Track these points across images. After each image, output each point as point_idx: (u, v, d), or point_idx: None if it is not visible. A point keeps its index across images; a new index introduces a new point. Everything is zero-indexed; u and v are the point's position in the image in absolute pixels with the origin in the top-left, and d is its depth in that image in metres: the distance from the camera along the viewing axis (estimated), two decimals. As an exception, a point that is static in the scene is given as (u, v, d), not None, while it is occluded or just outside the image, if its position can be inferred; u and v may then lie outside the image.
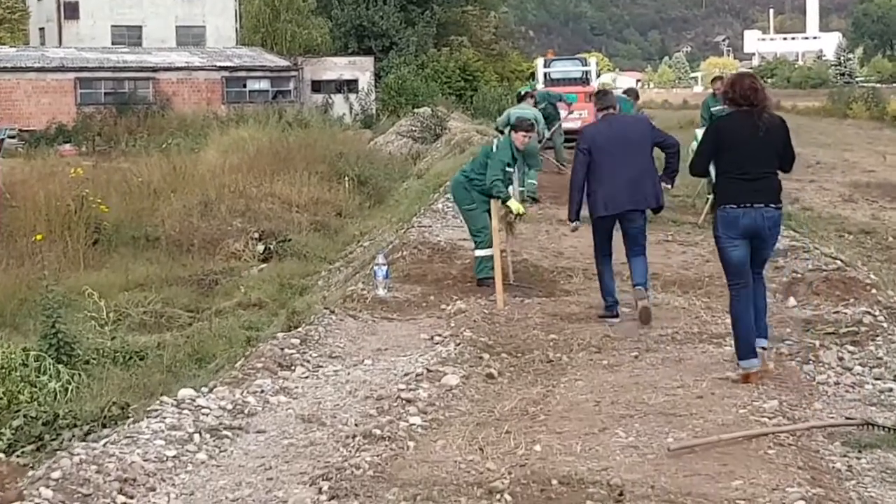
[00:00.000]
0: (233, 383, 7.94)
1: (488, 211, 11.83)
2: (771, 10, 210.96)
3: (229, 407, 7.26)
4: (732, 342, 8.17)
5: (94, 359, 11.33)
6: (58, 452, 6.06)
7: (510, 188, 12.22)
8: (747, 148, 7.87)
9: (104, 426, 8.35)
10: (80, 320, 12.41)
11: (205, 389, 7.85)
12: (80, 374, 10.63)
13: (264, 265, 17.78)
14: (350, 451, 6.35)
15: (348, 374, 8.40)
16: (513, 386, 8.05)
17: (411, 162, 31.69)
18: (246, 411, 7.25)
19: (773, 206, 7.94)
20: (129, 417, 8.59)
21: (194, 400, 7.26)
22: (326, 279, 15.92)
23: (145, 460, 6.03)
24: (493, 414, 7.25)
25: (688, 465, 6.09)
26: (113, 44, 61.12)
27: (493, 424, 6.98)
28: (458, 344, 9.11)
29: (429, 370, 8.12)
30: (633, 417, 6.99)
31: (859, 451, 6.45)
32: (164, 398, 7.26)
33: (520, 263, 12.93)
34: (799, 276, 11.93)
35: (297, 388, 7.90)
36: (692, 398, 7.37)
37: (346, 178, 25.02)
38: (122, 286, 15.84)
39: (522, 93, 23.94)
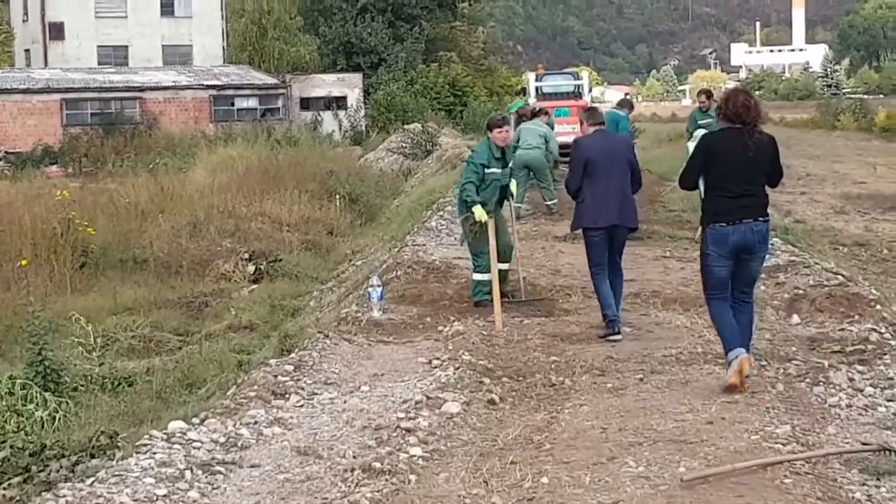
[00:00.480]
0: (225, 414, 7.66)
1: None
2: (757, 23, 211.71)
3: (222, 440, 6.98)
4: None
5: (81, 386, 11.09)
6: (43, 494, 5.76)
7: (511, 187, 11.99)
8: (737, 165, 7.89)
9: (92, 456, 8.07)
10: (67, 346, 12.21)
11: (196, 420, 7.58)
12: (67, 402, 10.42)
13: (255, 286, 17.50)
14: (349, 487, 6.09)
15: (344, 401, 8.13)
16: (515, 412, 7.78)
17: (402, 178, 31.50)
18: (239, 444, 6.96)
19: (760, 219, 8.00)
20: (117, 447, 8.41)
21: (185, 433, 6.97)
22: (319, 300, 15.66)
23: (134, 501, 5.76)
24: (496, 443, 6.98)
25: (702, 497, 5.83)
26: (99, 64, 60.75)
27: (497, 454, 6.72)
28: (458, 368, 8.83)
29: (428, 397, 7.84)
30: (642, 445, 6.73)
31: (878, 479, 6.18)
32: (154, 432, 6.97)
33: (517, 282, 12.68)
34: (801, 292, 11.70)
35: (291, 418, 7.61)
36: (702, 423, 7.11)
37: (337, 196, 24.76)
38: (111, 310, 15.56)
39: (514, 109, 23.79)
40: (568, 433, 7.12)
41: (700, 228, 8.26)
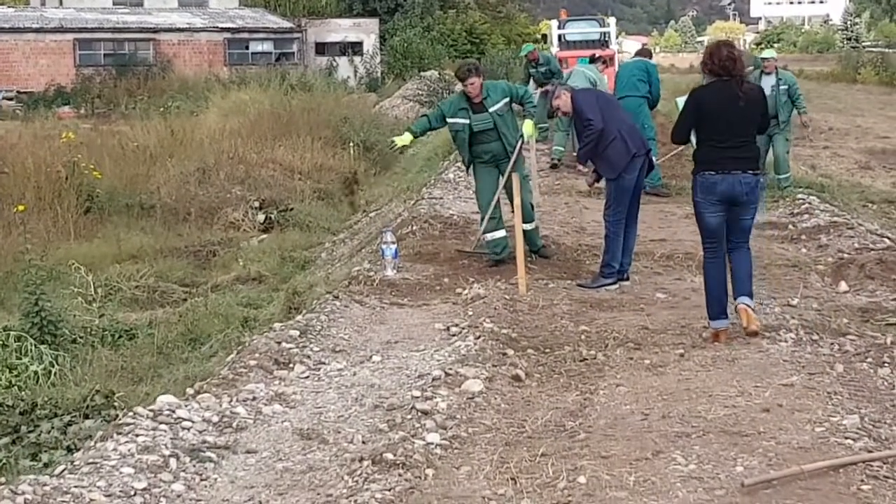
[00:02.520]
0: (222, 385, 6.88)
1: (496, 182, 10.88)
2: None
3: (215, 419, 6.17)
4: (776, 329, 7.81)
5: (80, 338, 10.50)
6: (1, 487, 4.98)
7: (526, 129, 10.93)
8: (727, 117, 7.91)
9: (86, 416, 7.66)
10: (66, 296, 11.59)
11: (192, 391, 6.83)
12: (64, 356, 9.82)
13: (264, 236, 16.92)
14: (356, 482, 5.26)
15: (354, 373, 7.33)
16: (543, 391, 6.96)
17: (418, 126, 30.62)
18: (234, 425, 6.15)
19: (750, 172, 7.97)
20: (113, 406, 7.83)
21: (174, 411, 6.14)
22: (330, 251, 14.99)
23: (107, 496, 4.95)
24: (523, 430, 6.15)
25: (767, 506, 5.02)
26: (114, 4, 59.88)
27: (526, 444, 5.89)
28: (479, 337, 8.00)
29: (447, 372, 7.00)
30: (690, 437, 5.88)
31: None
32: (139, 409, 6.13)
33: (542, 240, 11.88)
34: (847, 256, 10.89)
35: (294, 393, 6.80)
36: (757, 411, 6.23)
37: (351, 144, 23.97)
38: (115, 258, 15.02)
39: (524, 53, 22.78)
40: (605, 419, 6.29)
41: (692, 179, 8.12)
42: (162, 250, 15.70)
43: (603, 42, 31.07)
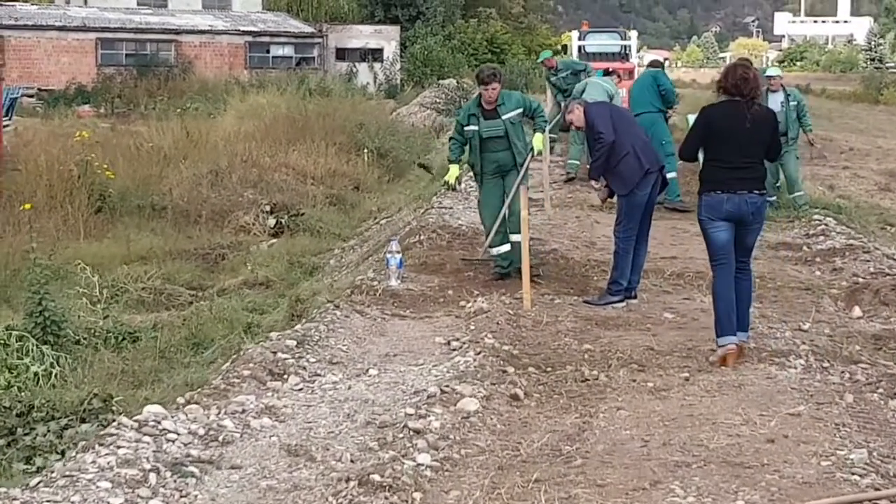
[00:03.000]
0: (212, 396, 6.70)
1: (500, 195, 10.59)
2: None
3: (201, 432, 5.97)
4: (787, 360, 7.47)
5: (84, 339, 10.33)
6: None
7: (536, 143, 10.63)
8: (734, 138, 7.96)
9: (83, 420, 7.54)
10: (71, 296, 11.44)
11: (181, 400, 6.65)
12: (66, 357, 9.68)
13: (274, 240, 16.79)
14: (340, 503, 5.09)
15: (349, 387, 7.13)
16: (542, 412, 6.75)
17: (434, 135, 30.52)
18: (221, 438, 5.95)
19: (756, 192, 8.01)
20: (111, 411, 7.69)
21: (160, 421, 5.95)
22: (339, 258, 14.82)
23: (81, 512, 4.79)
24: (518, 453, 5.94)
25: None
26: (138, 5, 59.97)
27: (519, 468, 5.67)
28: (479, 353, 7.79)
29: (443, 390, 6.77)
30: (690, 466, 5.65)
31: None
32: (124, 419, 5.95)
33: (549, 254, 11.68)
34: (862, 280, 10.65)
35: (285, 407, 6.59)
36: (761, 442, 6.01)
37: (366, 150, 23.81)
38: (123, 258, 14.92)
39: (542, 60, 22.56)
40: (603, 444, 6.07)
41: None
42: (171, 252, 15.59)
43: (623, 55, 30.24)
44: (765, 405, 6.72)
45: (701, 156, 8.29)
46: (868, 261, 11.51)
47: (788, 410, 6.59)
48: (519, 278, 9.95)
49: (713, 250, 8.11)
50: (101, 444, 5.56)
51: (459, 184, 10.62)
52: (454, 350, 8.11)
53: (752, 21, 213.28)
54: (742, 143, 7.95)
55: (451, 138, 10.84)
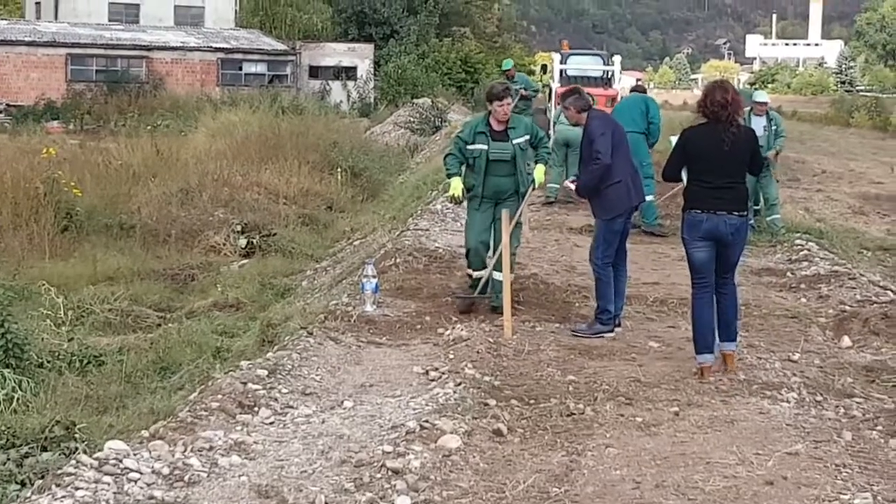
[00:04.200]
0: (179, 430, 6.33)
1: (489, 223, 10.13)
2: (774, 16, 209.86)
3: (165, 471, 5.59)
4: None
5: (47, 362, 10.07)
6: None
7: (537, 175, 10.11)
8: (713, 159, 8.08)
9: (44, 449, 7.24)
10: (36, 317, 11.19)
11: (146, 433, 6.29)
12: (28, 381, 9.32)
13: (245, 261, 16.54)
14: (314, 553, 4.73)
15: (323, 421, 6.77)
16: (526, 449, 6.38)
17: (408, 154, 30.28)
18: (186, 478, 5.56)
19: (735, 213, 8.13)
20: (74, 438, 7.39)
21: (121, 460, 5.56)
22: (312, 280, 14.52)
23: (30, 563, 4.42)
24: (503, 495, 5.57)
25: None
26: (110, 21, 59.51)
27: (505, 512, 5.35)
28: (459, 384, 7.45)
29: (422, 425, 6.40)
30: (686, 512, 5.35)
31: None
32: (83, 457, 5.56)
33: (528, 279, 11.34)
34: (848, 308, 10.37)
35: (255, 443, 6.21)
36: (759, 484, 5.68)
37: (339, 170, 23.49)
38: (90, 278, 14.66)
39: (505, 68, 22.34)
40: (592, 486, 5.72)
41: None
42: (139, 272, 15.33)
43: (606, 80, 28.92)
44: (760, 443, 6.40)
45: (685, 175, 8.32)
46: (854, 288, 11.25)
47: (786, 449, 6.27)
48: (492, 309, 9.66)
49: (693, 268, 8.27)
50: (57, 486, 5.19)
51: (464, 196, 10.03)
52: (433, 381, 7.76)
53: (724, 43, 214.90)
54: (721, 164, 8.07)
55: (449, 154, 10.20)
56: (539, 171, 10.15)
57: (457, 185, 10.01)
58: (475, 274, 10.25)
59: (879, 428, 6.73)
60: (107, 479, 5.35)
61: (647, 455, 6.24)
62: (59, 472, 5.40)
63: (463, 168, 10.16)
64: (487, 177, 10.02)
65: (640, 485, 5.76)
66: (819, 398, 7.38)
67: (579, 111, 9.76)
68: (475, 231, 10.17)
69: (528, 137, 10.12)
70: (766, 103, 15.81)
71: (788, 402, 7.26)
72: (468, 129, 10.21)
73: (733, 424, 6.80)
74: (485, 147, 9.97)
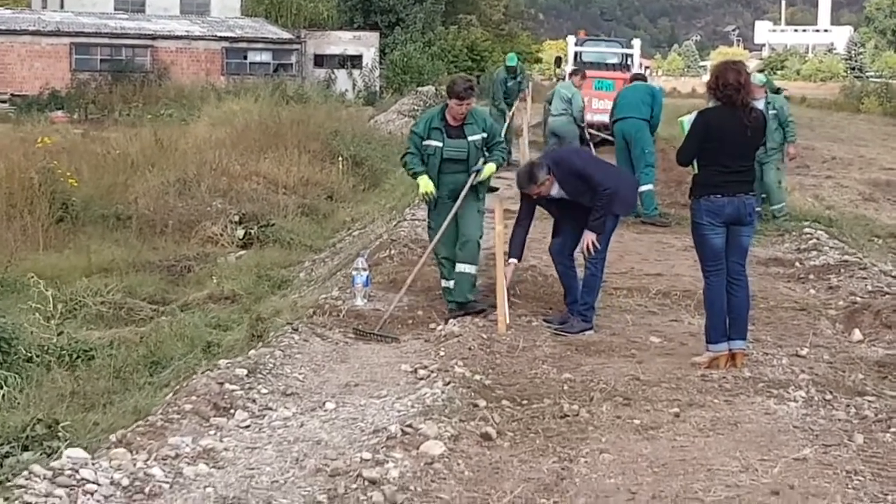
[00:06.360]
0: (148, 434, 5.95)
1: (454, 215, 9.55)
2: (782, 2, 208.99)
3: (125, 482, 5.19)
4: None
5: (36, 357, 9.68)
6: None
7: (486, 171, 9.53)
8: (733, 142, 7.97)
9: (25, 448, 6.88)
10: (26, 311, 10.73)
11: (114, 438, 5.90)
12: (15, 377, 8.99)
13: (243, 252, 16.15)
14: (277, 575, 4.35)
15: (301, 424, 6.38)
16: (516, 454, 5.97)
17: (411, 143, 29.83)
18: (147, 490, 5.16)
19: (750, 193, 8.16)
20: (57, 437, 7.01)
21: (78, 470, 5.18)
22: (310, 271, 14.17)
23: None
24: (488, 506, 5.21)
25: None
26: (115, 10, 59.21)
27: (488, 527, 4.96)
28: (448, 383, 7.04)
29: (404, 430, 5.98)
30: (684, 525, 4.94)
31: None
32: (36, 468, 5.17)
33: (527, 271, 10.92)
34: (860, 300, 9.96)
35: (226, 450, 5.81)
36: (764, 494, 5.25)
37: (340, 158, 23.10)
38: (84, 270, 14.28)
39: (510, 63, 21.97)
40: (584, 496, 5.30)
41: (691, 201, 8.12)
42: (135, 264, 14.97)
43: (624, 65, 28.38)
44: (765, 447, 5.98)
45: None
46: (865, 278, 10.84)
47: (793, 454, 5.84)
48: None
49: (708, 256, 8.07)
50: (5, 499, 4.81)
51: (437, 192, 9.48)
52: (421, 379, 7.37)
53: (733, 30, 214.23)
54: (739, 147, 8.00)
55: (408, 153, 9.66)
56: (489, 168, 9.62)
57: (426, 183, 9.50)
58: (444, 283, 9.79)
59: (893, 430, 6.29)
60: (59, 491, 4.97)
61: (645, 461, 5.83)
62: (9, 483, 5.02)
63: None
64: (442, 175, 9.57)
65: (636, 495, 5.35)
66: (828, 397, 6.96)
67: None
68: (446, 238, 9.63)
69: (484, 135, 9.66)
70: (761, 85, 15.33)
71: (796, 401, 6.84)
72: (423, 124, 9.72)
73: (737, 427, 6.38)
74: (440, 144, 9.53)
